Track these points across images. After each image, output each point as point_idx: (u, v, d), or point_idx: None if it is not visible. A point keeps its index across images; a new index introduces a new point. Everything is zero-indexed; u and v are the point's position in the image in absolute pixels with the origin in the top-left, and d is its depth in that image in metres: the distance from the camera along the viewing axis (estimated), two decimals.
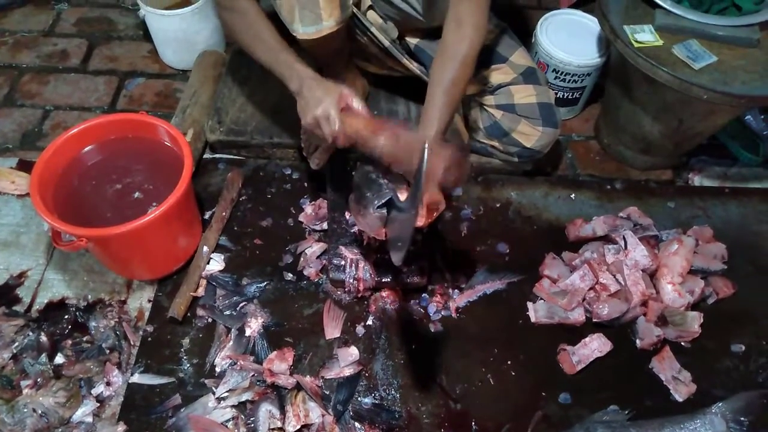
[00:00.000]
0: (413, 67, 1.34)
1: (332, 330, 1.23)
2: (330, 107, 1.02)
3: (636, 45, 1.31)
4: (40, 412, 1.08)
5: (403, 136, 1.02)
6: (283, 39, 1.14)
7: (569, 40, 1.55)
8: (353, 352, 1.20)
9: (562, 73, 1.55)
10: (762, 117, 1.55)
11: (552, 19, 1.61)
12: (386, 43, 1.27)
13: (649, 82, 1.32)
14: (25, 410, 1.07)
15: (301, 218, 1.40)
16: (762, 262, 1.39)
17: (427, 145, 0.89)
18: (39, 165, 1.15)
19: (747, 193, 1.53)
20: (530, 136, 1.36)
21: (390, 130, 1.03)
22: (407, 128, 1.06)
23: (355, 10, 1.14)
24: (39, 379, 1.13)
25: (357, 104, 1.05)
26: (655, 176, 1.57)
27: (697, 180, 1.56)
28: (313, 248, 1.34)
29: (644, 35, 1.32)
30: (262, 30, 1.12)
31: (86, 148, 1.24)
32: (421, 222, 1.02)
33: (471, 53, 1.13)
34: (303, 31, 1.03)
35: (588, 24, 1.59)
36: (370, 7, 1.28)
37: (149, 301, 1.27)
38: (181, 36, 1.67)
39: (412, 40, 1.38)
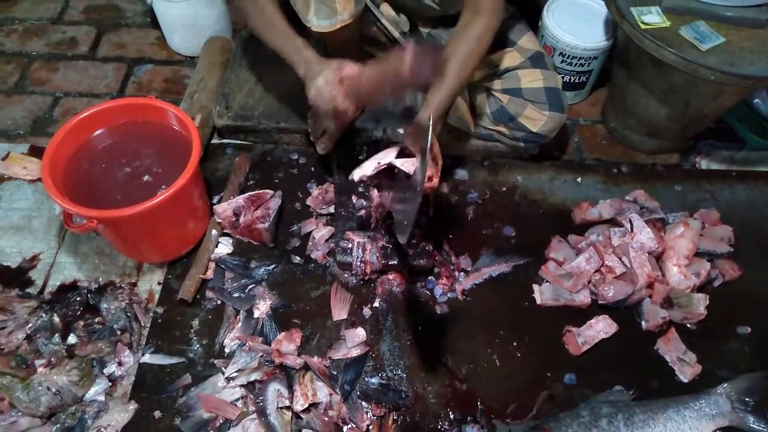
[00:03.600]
0: None
1: (339, 312, 1.25)
2: (329, 74, 1.07)
3: (643, 26, 1.30)
4: (54, 390, 1.10)
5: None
6: (292, 26, 1.16)
7: (576, 24, 1.54)
8: (360, 333, 1.21)
9: (568, 56, 1.55)
10: None
11: (559, 2, 1.60)
12: (396, 34, 1.27)
13: (655, 64, 1.32)
14: (40, 388, 1.09)
15: (308, 202, 1.41)
16: None
17: (431, 124, 0.90)
18: (50, 149, 1.17)
19: (754, 177, 1.53)
20: (537, 120, 1.36)
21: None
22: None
23: (367, 1, 1.15)
24: (53, 359, 1.15)
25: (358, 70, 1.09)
26: (662, 160, 1.57)
27: (704, 163, 1.56)
28: (321, 232, 1.35)
29: (651, 17, 1.32)
30: (272, 16, 1.15)
31: (96, 132, 1.25)
32: (434, 182, 1.05)
33: (486, 32, 1.16)
34: (318, 23, 1.05)
35: (595, 7, 1.58)
36: (386, 0, 1.28)
37: (159, 283, 1.29)
38: (188, 22, 1.68)
39: (424, 30, 1.38)
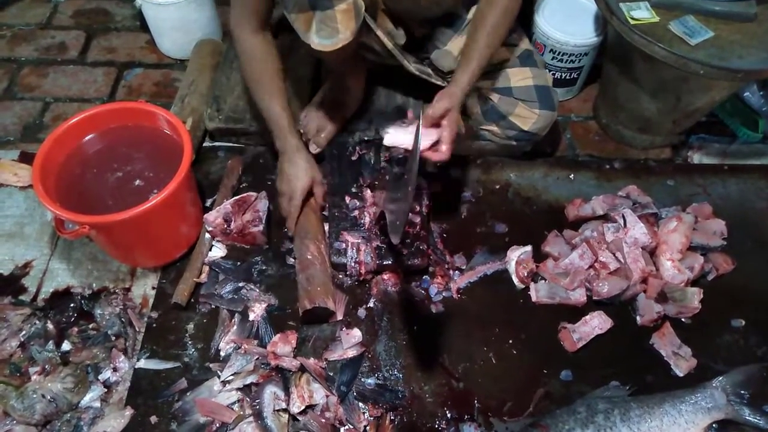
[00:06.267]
0: (412, 68, 1.34)
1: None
2: (297, 192, 1.26)
3: (632, 22, 1.30)
4: (49, 397, 1.09)
5: None
6: (282, 88, 1.26)
7: (566, 20, 1.54)
8: (356, 334, 1.21)
9: (559, 53, 1.55)
10: (761, 93, 1.55)
11: None
12: (390, 45, 1.27)
13: (645, 60, 1.32)
14: (34, 396, 1.09)
15: None
16: (761, 238, 1.39)
17: (421, 120, 0.90)
18: (41, 154, 1.16)
19: (746, 170, 1.53)
20: (527, 119, 1.36)
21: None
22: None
23: (365, 15, 1.14)
24: (47, 366, 1.14)
25: (321, 189, 1.32)
26: (654, 155, 1.57)
27: (696, 158, 1.56)
28: None
29: (640, 12, 1.32)
30: (264, 75, 1.24)
31: (87, 137, 1.25)
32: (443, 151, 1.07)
33: (512, 4, 1.18)
34: (319, 42, 1.04)
35: (585, 3, 1.58)
36: (383, 11, 1.27)
37: (153, 288, 1.29)
38: (178, 25, 1.67)
39: (420, 30, 1.37)
